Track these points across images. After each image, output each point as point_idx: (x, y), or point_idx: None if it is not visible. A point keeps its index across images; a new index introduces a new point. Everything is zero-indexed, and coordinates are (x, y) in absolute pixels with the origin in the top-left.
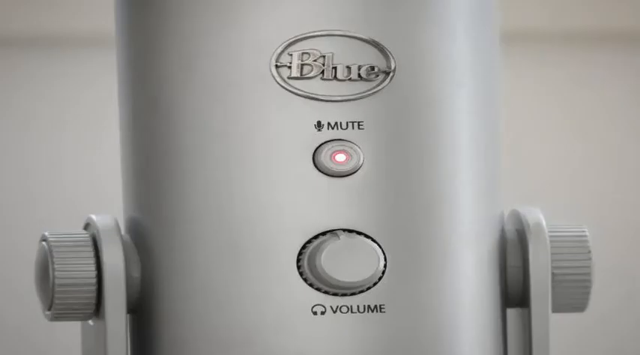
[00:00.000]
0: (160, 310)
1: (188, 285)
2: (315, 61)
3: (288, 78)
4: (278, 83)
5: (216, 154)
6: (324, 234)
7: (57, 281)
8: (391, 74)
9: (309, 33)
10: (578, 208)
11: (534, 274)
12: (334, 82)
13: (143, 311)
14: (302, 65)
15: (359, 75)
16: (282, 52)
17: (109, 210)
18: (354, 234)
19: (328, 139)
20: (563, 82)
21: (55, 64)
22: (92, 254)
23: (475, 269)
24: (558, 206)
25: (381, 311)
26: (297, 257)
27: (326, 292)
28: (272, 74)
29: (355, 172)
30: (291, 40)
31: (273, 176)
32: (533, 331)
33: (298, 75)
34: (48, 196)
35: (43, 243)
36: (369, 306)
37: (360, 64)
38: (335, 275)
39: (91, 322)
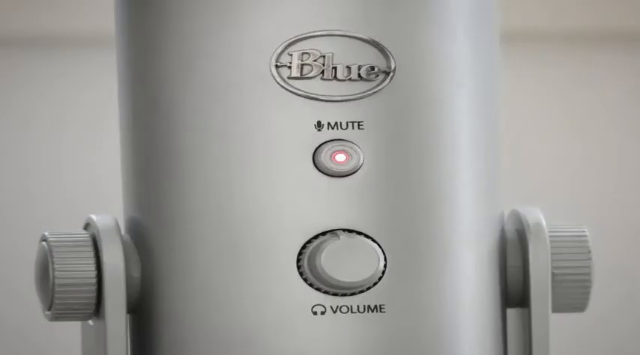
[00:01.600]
0: (160, 310)
1: (188, 285)
2: (315, 61)
3: (288, 78)
4: (278, 83)
5: (216, 154)
6: (324, 234)
7: (57, 281)
8: (391, 74)
9: (309, 33)
10: (578, 208)
11: (534, 274)
12: (334, 82)
13: (143, 311)
14: (302, 65)
15: (359, 75)
16: (282, 52)
17: (109, 210)
18: (354, 234)
19: (328, 139)
20: (563, 82)
21: (55, 64)
22: (92, 254)
23: (475, 269)
24: (558, 206)
25: (381, 311)
26: (297, 257)
27: (326, 292)
28: (272, 74)
29: (355, 172)
30: (291, 40)
31: (273, 176)
32: (533, 331)
33: (298, 75)
34: (48, 196)
35: (43, 243)
36: (369, 306)
37: (360, 64)
38: (335, 275)
39: (91, 322)
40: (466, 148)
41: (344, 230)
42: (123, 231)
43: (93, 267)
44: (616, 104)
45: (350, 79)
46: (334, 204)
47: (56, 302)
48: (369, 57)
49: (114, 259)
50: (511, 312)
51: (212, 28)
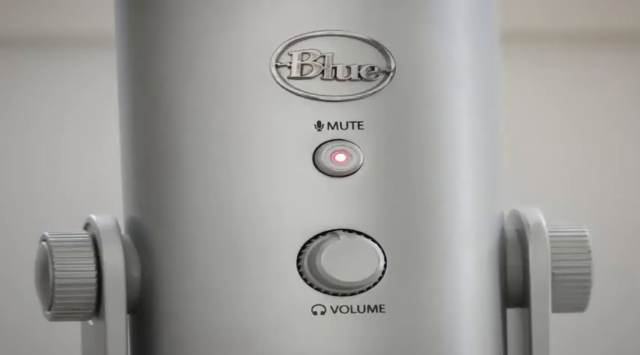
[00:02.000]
0: (160, 310)
1: (188, 285)
2: (315, 61)
3: (288, 78)
4: (278, 83)
5: (216, 154)
6: (324, 234)
7: (57, 281)
8: (391, 74)
9: (309, 33)
10: (578, 208)
11: (534, 274)
12: (334, 82)
13: (143, 311)
14: (302, 65)
15: (359, 75)
16: (282, 52)
17: (109, 210)
18: (354, 234)
19: (328, 139)
20: (563, 82)
21: (55, 64)
22: (92, 254)
23: (475, 269)
24: (558, 206)
25: (381, 311)
26: (297, 257)
27: (326, 292)
28: (272, 74)
29: (355, 172)
30: (291, 40)
31: (273, 176)
32: (533, 331)
33: (298, 75)
34: (48, 196)
35: (43, 243)
36: (369, 306)
37: (360, 64)
38: (335, 275)
39: (91, 322)
40: (466, 148)
41: (344, 230)
42: (123, 231)
43: (93, 267)
44: (616, 104)
45: (350, 79)
46: (334, 204)
47: (56, 302)
48: (369, 57)
49: (114, 259)
50: (511, 312)
51: (212, 28)
